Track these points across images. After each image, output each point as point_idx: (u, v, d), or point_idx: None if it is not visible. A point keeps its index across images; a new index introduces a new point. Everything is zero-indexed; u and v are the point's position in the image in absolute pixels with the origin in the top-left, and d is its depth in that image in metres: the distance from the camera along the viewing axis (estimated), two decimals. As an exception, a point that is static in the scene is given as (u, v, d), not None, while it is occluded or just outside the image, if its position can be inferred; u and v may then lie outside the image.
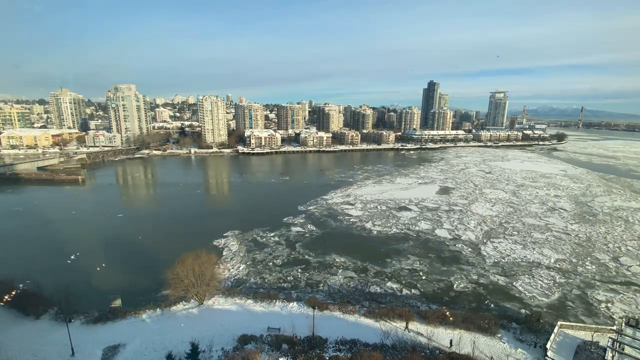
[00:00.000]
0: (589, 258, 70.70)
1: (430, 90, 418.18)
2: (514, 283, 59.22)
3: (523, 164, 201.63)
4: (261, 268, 62.93)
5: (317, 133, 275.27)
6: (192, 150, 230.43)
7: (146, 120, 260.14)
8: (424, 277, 60.92)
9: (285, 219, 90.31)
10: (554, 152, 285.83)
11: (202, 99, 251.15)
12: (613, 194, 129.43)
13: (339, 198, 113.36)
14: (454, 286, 58.20)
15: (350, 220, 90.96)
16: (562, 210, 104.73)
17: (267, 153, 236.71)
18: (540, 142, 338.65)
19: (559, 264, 67.33)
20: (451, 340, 39.99)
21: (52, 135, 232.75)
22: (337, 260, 66.47)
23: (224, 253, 69.15)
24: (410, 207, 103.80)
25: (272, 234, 79.44)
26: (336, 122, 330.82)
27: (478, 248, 74.00)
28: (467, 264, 66.63)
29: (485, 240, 78.46)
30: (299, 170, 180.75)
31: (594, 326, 42.36)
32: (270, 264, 64.73)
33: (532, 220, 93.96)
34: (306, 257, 68.22)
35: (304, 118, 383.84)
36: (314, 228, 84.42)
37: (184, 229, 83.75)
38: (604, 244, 78.51)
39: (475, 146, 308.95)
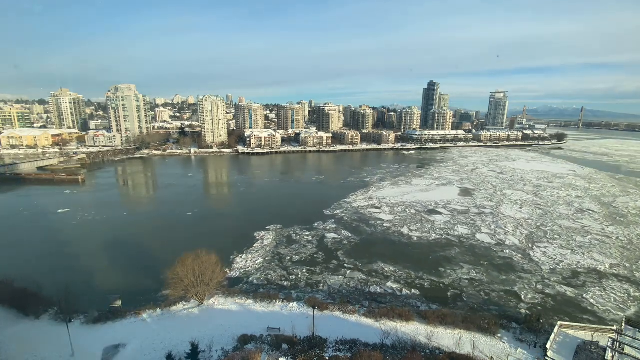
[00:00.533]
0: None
1: (430, 90, 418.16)
2: (584, 295, 56.04)
3: (530, 164, 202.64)
4: (313, 283, 58.60)
5: (317, 133, 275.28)
6: (192, 150, 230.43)
7: (146, 120, 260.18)
8: (487, 289, 57.58)
9: (315, 224, 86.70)
10: (557, 151, 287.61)
11: (202, 99, 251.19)
12: (631, 194, 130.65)
13: (363, 201, 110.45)
14: (522, 297, 55.39)
15: (384, 225, 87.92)
16: (591, 212, 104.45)
17: (267, 153, 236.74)
18: (540, 142, 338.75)
19: (614, 269, 65.49)
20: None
21: (52, 135, 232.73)
22: (386, 269, 62.97)
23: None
24: (440, 211, 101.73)
25: (307, 244, 74.55)
26: (336, 122, 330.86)
27: (527, 254, 71.93)
28: (523, 271, 64.14)
29: (530, 245, 76.53)
30: (309, 172, 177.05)
31: (594, 326, 42.36)
32: (320, 277, 60.25)
33: (566, 223, 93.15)
34: (354, 266, 64.13)
35: (304, 118, 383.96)
36: (350, 234, 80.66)
37: (184, 229, 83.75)
38: (649, 246, 77.67)
39: (475, 146, 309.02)
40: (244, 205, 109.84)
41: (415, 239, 79.37)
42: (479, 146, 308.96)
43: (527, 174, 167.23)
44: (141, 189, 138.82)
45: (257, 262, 65.33)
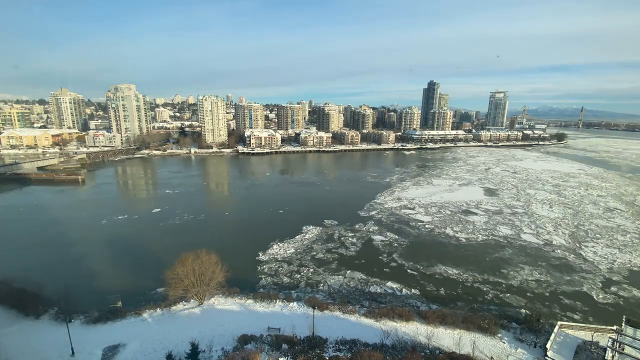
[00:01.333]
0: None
1: (430, 90, 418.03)
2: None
3: (537, 164, 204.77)
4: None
5: (317, 133, 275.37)
6: (192, 150, 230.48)
7: (146, 120, 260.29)
8: (556, 290, 57.44)
9: (356, 225, 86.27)
10: (561, 150, 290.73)
11: (202, 99, 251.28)
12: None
13: (392, 202, 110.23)
14: (594, 297, 55.39)
15: (425, 226, 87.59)
16: (619, 211, 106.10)
17: (267, 153, 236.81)
18: (540, 143, 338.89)
19: None
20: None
21: (52, 135, 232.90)
22: (449, 272, 62.43)
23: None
24: (474, 211, 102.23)
25: (352, 245, 74.07)
26: (336, 122, 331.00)
27: (579, 253, 72.51)
28: (583, 271, 64.45)
29: (578, 245, 77.43)
30: (322, 173, 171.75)
31: (594, 326, 42.35)
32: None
33: (601, 222, 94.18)
34: (416, 270, 63.36)
35: (304, 118, 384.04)
36: (395, 236, 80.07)
37: (185, 229, 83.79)
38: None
39: (476, 146, 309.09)
40: (268, 207, 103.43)
41: (464, 240, 78.98)
42: (480, 146, 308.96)
43: (540, 174, 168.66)
44: (141, 189, 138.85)
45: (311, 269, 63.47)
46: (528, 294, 56.33)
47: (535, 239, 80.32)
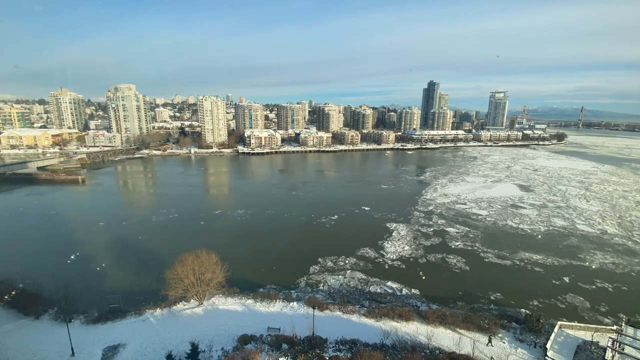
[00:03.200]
0: None
1: (430, 90, 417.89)
2: None
3: (551, 162, 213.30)
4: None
5: (317, 133, 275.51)
6: (192, 150, 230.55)
7: (146, 120, 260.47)
8: (634, 270, 64.57)
9: (422, 220, 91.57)
10: (565, 149, 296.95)
11: (202, 99, 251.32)
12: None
13: (440, 198, 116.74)
14: None
15: (487, 219, 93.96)
16: None
17: (267, 153, 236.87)
18: (540, 142, 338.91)
19: None
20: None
21: (52, 135, 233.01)
22: (534, 257, 69.22)
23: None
24: (521, 205, 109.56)
25: (435, 236, 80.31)
26: (336, 122, 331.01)
27: (635, 240, 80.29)
28: None
29: (630, 233, 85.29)
30: (345, 172, 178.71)
31: (594, 326, 42.34)
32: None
33: (638, 214, 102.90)
34: (503, 257, 69.47)
35: (304, 118, 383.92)
36: (466, 228, 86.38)
37: (185, 229, 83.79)
38: None
39: (479, 145, 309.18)
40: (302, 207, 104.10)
41: (529, 230, 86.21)
42: (486, 146, 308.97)
43: (560, 171, 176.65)
44: (141, 189, 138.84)
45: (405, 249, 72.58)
46: (611, 275, 63.05)
47: (590, 229, 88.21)
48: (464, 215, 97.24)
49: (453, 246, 74.48)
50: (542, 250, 73.39)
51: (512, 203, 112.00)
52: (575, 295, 55.81)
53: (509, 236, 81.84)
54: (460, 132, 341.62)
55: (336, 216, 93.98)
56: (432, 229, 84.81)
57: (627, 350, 36.42)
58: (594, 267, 66.42)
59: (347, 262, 65.63)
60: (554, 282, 60.08)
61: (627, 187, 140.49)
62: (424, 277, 60.58)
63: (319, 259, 66.39)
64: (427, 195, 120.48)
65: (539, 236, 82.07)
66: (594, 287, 58.74)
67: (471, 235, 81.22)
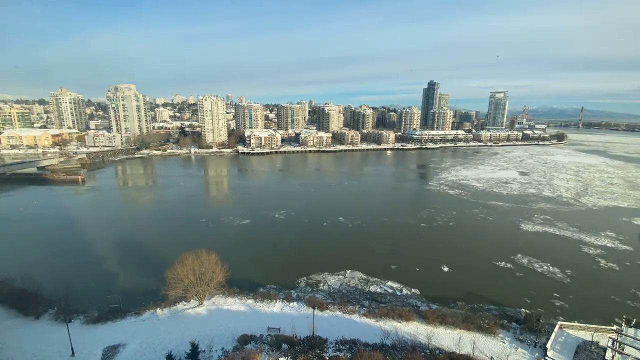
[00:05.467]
0: None
1: (430, 90, 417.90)
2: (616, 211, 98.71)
3: (567, 157, 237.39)
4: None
5: (317, 133, 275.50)
6: (192, 150, 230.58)
7: (146, 120, 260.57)
8: (560, 209, 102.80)
9: (432, 187, 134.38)
10: (569, 147, 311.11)
11: (202, 99, 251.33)
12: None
13: (452, 177, 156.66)
14: (584, 214, 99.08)
15: (479, 188, 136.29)
16: (618, 185, 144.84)
17: (267, 153, 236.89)
18: (541, 142, 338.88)
19: (630, 206, 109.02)
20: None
21: (52, 135, 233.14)
22: (498, 203, 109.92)
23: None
24: (511, 183, 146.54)
25: (440, 197, 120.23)
26: (336, 122, 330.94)
27: (578, 200, 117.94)
28: (577, 205, 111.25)
29: (578, 197, 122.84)
30: (382, 165, 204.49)
31: (594, 326, 42.34)
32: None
33: (601, 189, 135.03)
34: (479, 205, 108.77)
35: (304, 118, 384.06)
36: (462, 191, 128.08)
37: (185, 229, 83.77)
38: None
39: (475, 146, 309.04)
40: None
41: (504, 193, 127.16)
42: (479, 146, 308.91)
43: (567, 164, 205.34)
44: (141, 189, 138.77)
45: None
46: (545, 213, 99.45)
47: (551, 194, 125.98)
48: (463, 185, 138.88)
49: (448, 195, 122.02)
50: (506, 201, 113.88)
51: (504, 181, 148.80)
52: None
53: (488, 195, 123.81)
54: (460, 132, 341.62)
55: (341, 218, 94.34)
56: (436, 190, 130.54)
57: (627, 350, 36.44)
58: (534, 207, 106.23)
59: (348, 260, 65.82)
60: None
61: (613, 175, 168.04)
62: (422, 275, 60.61)
63: (320, 258, 66.46)
64: (442, 175, 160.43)
65: (509, 196, 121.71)
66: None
67: (463, 194, 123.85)
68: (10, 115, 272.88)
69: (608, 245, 76.31)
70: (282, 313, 45.94)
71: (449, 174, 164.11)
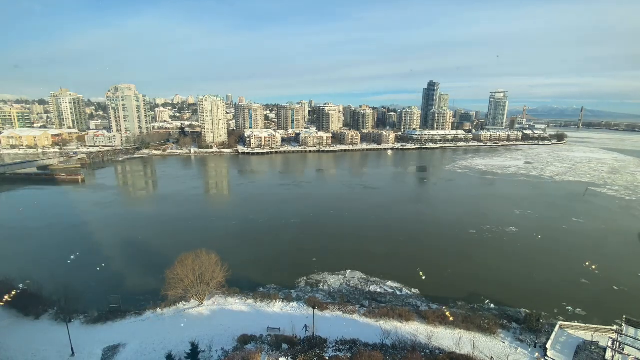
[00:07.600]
0: None
1: (430, 90, 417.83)
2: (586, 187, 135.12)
3: (583, 154, 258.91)
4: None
5: (317, 133, 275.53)
6: (192, 150, 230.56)
7: (146, 120, 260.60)
8: (535, 180, 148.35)
9: (449, 168, 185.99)
10: (571, 146, 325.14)
11: (202, 99, 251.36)
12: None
13: (465, 164, 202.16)
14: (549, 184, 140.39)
15: (483, 168, 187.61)
16: (602, 171, 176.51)
17: (267, 153, 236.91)
18: (541, 142, 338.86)
19: (608, 184, 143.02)
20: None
21: (52, 135, 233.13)
22: (497, 172, 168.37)
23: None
24: (511, 167, 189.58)
25: (453, 173, 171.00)
26: (336, 122, 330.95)
27: (554, 179, 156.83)
28: (551, 182, 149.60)
29: (554, 177, 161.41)
30: (401, 163, 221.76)
31: (594, 326, 42.34)
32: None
33: (582, 172, 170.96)
34: (484, 176, 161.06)
35: (304, 118, 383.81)
36: (468, 171, 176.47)
37: (185, 229, 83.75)
38: None
39: (475, 146, 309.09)
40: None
41: (500, 172, 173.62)
42: (479, 145, 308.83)
43: (575, 158, 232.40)
44: (141, 189, 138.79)
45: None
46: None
47: (535, 173, 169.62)
48: (471, 167, 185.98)
49: (455, 172, 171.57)
50: (497, 176, 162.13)
51: (506, 166, 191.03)
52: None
53: (488, 173, 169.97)
54: (460, 132, 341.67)
55: (346, 213, 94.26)
56: (448, 168, 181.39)
57: (627, 350, 36.44)
58: (516, 180, 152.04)
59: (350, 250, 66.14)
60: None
61: (606, 163, 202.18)
62: (423, 277, 60.57)
63: (320, 258, 66.45)
64: (457, 163, 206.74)
65: (502, 174, 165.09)
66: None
67: (468, 171, 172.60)
68: (10, 115, 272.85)
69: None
70: (282, 313, 45.93)
71: (464, 162, 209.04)
